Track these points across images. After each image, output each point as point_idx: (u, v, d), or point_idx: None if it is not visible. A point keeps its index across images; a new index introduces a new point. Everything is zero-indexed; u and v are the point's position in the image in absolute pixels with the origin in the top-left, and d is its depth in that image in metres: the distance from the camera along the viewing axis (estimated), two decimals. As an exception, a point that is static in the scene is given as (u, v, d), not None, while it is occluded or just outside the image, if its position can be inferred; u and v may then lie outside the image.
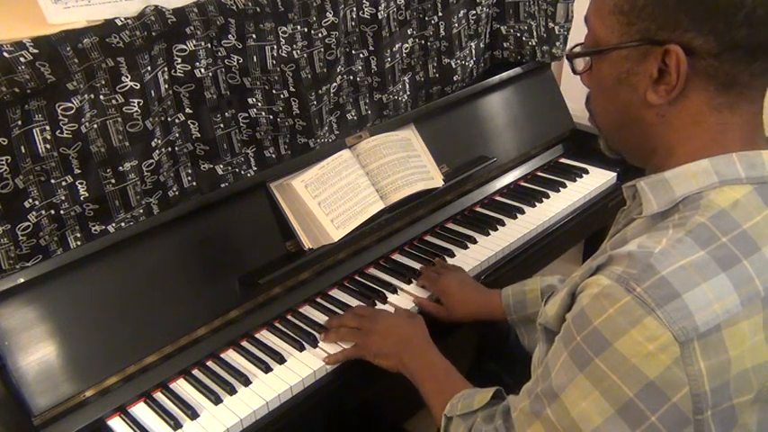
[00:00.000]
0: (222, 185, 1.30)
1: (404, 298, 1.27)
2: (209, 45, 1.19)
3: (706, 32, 0.65)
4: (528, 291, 1.15)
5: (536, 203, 1.56)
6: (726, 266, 0.64)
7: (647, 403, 0.63)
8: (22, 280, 1.00)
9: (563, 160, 1.77)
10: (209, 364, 1.13)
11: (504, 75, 1.70)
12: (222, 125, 1.28)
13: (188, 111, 1.23)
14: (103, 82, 1.06)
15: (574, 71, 0.80)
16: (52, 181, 1.06)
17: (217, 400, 1.04)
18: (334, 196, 1.28)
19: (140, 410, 1.05)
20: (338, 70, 1.41)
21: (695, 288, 0.63)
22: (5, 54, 0.93)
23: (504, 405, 0.81)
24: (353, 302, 1.26)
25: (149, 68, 1.12)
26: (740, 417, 0.65)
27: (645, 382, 0.62)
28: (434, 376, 1.01)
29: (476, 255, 1.39)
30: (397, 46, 1.54)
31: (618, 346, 0.63)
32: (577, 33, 1.51)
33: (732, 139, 0.70)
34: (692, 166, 0.70)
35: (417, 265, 1.35)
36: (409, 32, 1.57)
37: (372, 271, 1.36)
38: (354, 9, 1.42)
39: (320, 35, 1.33)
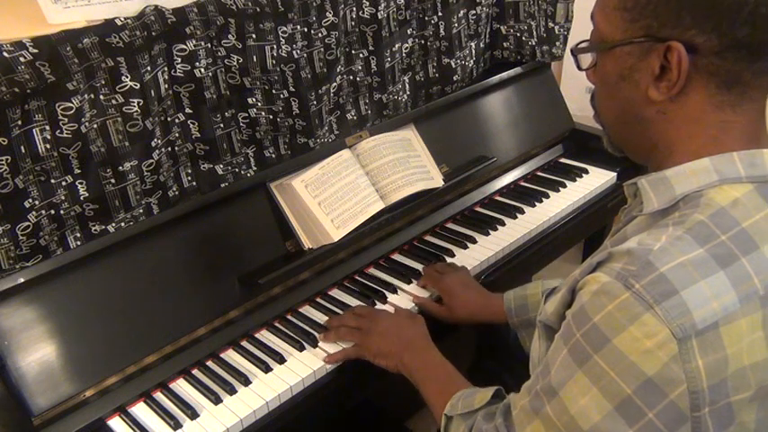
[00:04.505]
0: (222, 185, 1.30)
1: (404, 298, 1.27)
2: (209, 45, 1.20)
3: (708, 30, 0.65)
4: (530, 294, 1.15)
5: (536, 203, 1.56)
6: (724, 264, 0.64)
7: (644, 400, 0.63)
8: (22, 280, 1.00)
9: (563, 160, 1.77)
10: (209, 364, 1.13)
11: (504, 75, 1.70)
12: (222, 125, 1.28)
13: (188, 111, 1.23)
14: (103, 82, 1.06)
15: (579, 67, 0.80)
16: (52, 181, 1.06)
17: (217, 400, 1.04)
18: (334, 196, 1.28)
19: (140, 410, 1.05)
20: (338, 70, 1.41)
21: (693, 285, 0.63)
22: (5, 54, 0.93)
23: (504, 403, 0.81)
24: (353, 302, 1.26)
25: (149, 68, 1.12)
26: (738, 414, 0.65)
27: (643, 378, 0.62)
28: (435, 376, 1.01)
29: (476, 255, 1.39)
30: (396, 46, 1.54)
31: (616, 343, 0.63)
32: (578, 33, 1.51)
33: (733, 138, 0.70)
34: (692, 165, 0.71)
35: (417, 265, 1.35)
36: (409, 32, 1.57)
37: (372, 271, 1.36)
38: (354, 9, 1.42)
39: (320, 35, 1.33)
